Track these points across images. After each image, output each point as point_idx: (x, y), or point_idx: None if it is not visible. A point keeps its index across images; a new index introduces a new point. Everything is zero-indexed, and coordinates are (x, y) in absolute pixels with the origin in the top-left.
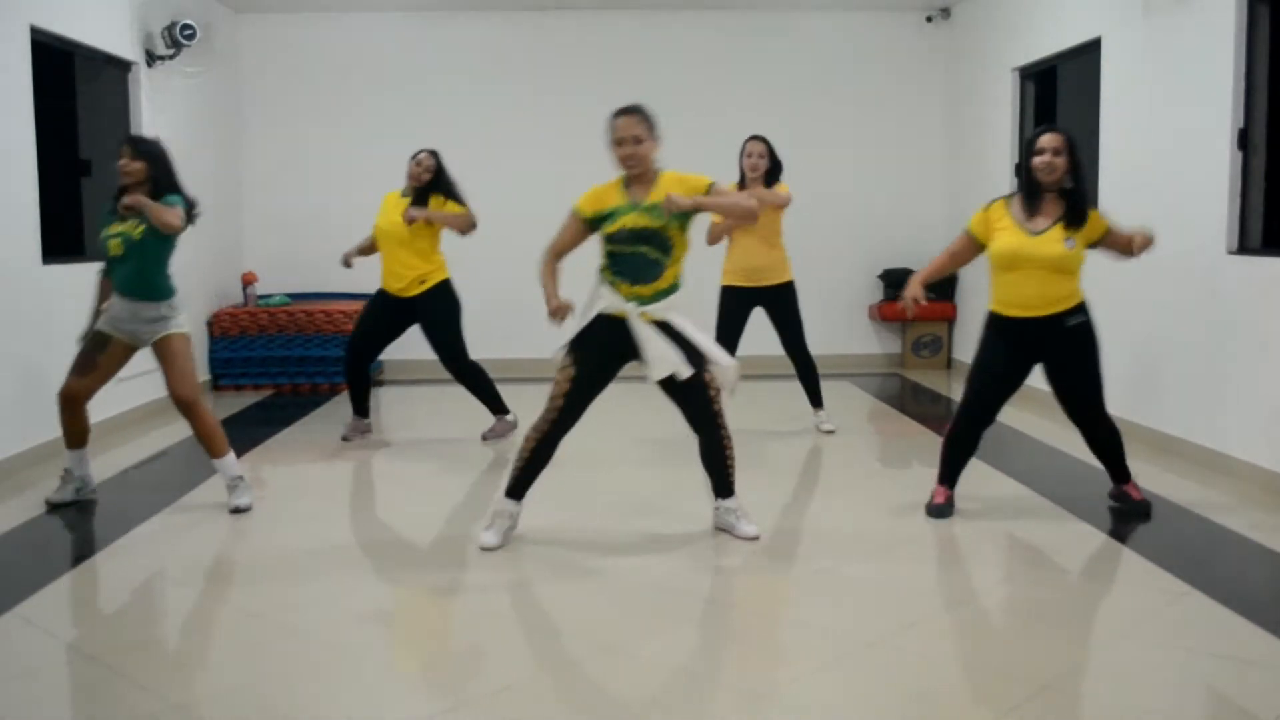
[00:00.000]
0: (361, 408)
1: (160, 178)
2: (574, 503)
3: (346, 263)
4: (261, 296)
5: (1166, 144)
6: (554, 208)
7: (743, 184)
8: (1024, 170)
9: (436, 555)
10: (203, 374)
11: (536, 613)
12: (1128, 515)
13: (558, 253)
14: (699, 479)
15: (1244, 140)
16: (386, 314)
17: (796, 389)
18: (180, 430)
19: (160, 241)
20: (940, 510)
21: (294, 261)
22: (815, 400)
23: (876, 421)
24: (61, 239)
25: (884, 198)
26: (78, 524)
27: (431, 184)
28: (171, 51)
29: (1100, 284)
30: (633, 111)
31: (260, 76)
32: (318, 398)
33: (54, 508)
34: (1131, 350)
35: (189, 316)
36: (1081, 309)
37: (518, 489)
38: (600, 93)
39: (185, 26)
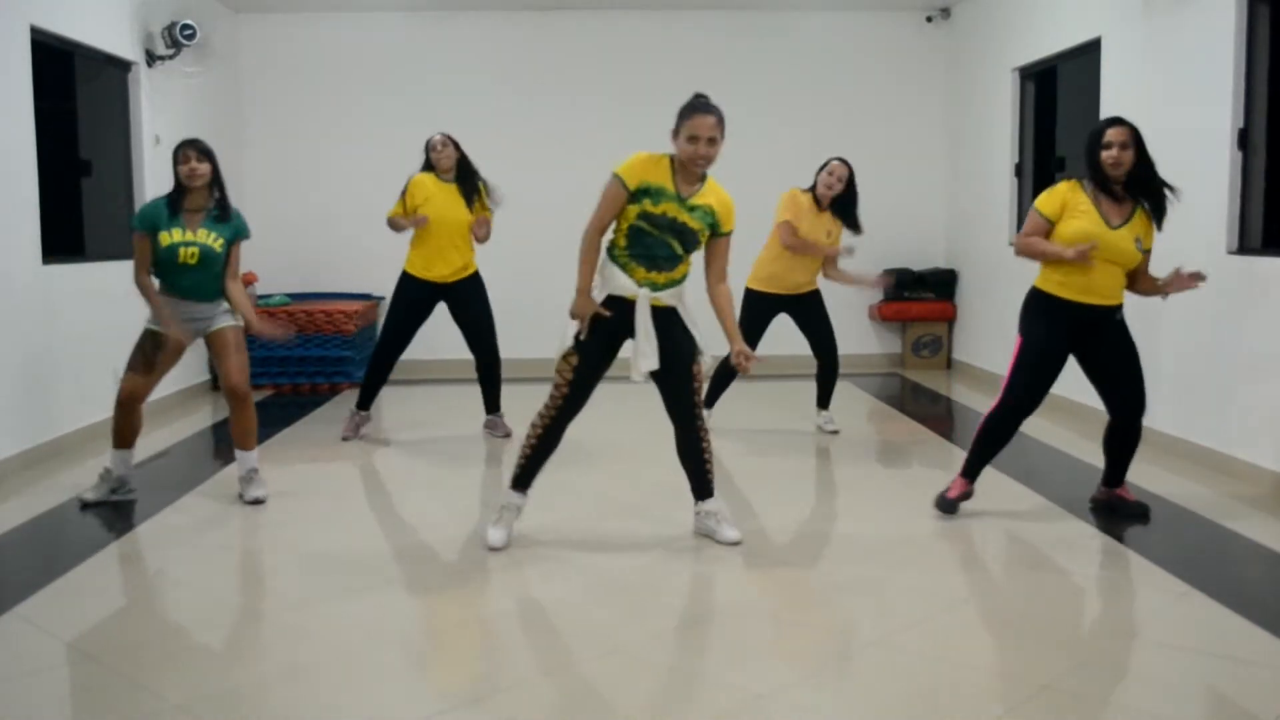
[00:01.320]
0: (366, 402)
1: (220, 180)
2: (575, 502)
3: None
4: (261, 296)
5: (1166, 144)
6: (554, 206)
7: (813, 191)
8: (1092, 164)
9: (437, 555)
10: (204, 374)
11: (538, 613)
12: (1127, 518)
13: (601, 229)
14: None
15: (1244, 140)
16: (422, 302)
17: (795, 389)
18: (180, 431)
19: (227, 253)
20: (949, 505)
21: (294, 261)
22: (824, 402)
23: (876, 421)
24: (61, 239)
25: (884, 198)
26: (78, 524)
27: (465, 169)
28: (171, 51)
29: None
30: (714, 112)
31: (260, 76)
32: (318, 398)
33: (86, 506)
34: None
35: None
36: (1122, 306)
37: (524, 479)
38: (600, 92)
39: (185, 26)
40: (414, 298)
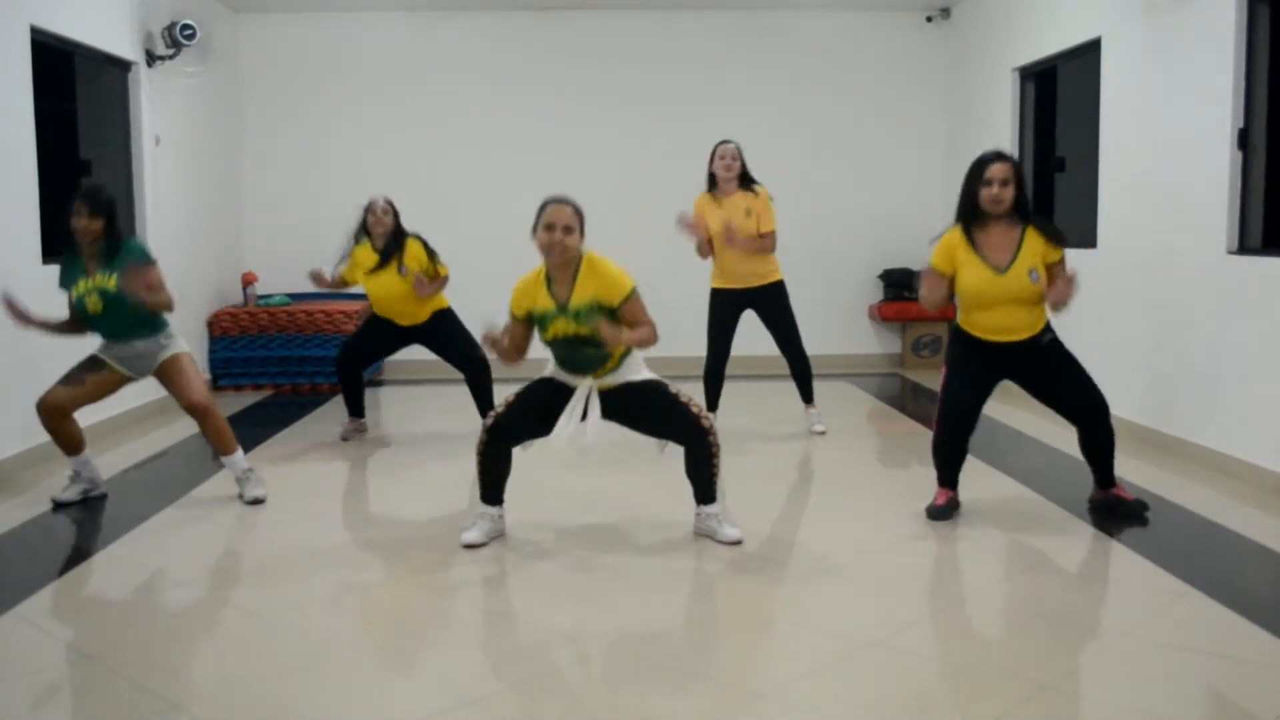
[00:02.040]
0: (357, 409)
1: (114, 228)
2: (575, 502)
3: (319, 278)
4: (261, 296)
5: (1166, 144)
6: None
7: (713, 187)
8: (968, 199)
9: (437, 555)
10: (204, 374)
11: (537, 613)
12: (1126, 517)
13: (516, 352)
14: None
15: (1244, 140)
16: (389, 337)
17: (794, 389)
18: (179, 431)
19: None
20: (941, 512)
21: (294, 261)
22: (806, 397)
23: (876, 421)
24: (61, 239)
25: (884, 198)
26: (77, 524)
27: (399, 230)
28: (171, 51)
29: (1100, 283)
30: (565, 202)
31: (260, 76)
32: (318, 398)
33: (59, 506)
34: (1131, 350)
35: (182, 335)
36: (1049, 326)
37: (487, 495)
38: (600, 92)
39: (185, 26)
40: (379, 327)
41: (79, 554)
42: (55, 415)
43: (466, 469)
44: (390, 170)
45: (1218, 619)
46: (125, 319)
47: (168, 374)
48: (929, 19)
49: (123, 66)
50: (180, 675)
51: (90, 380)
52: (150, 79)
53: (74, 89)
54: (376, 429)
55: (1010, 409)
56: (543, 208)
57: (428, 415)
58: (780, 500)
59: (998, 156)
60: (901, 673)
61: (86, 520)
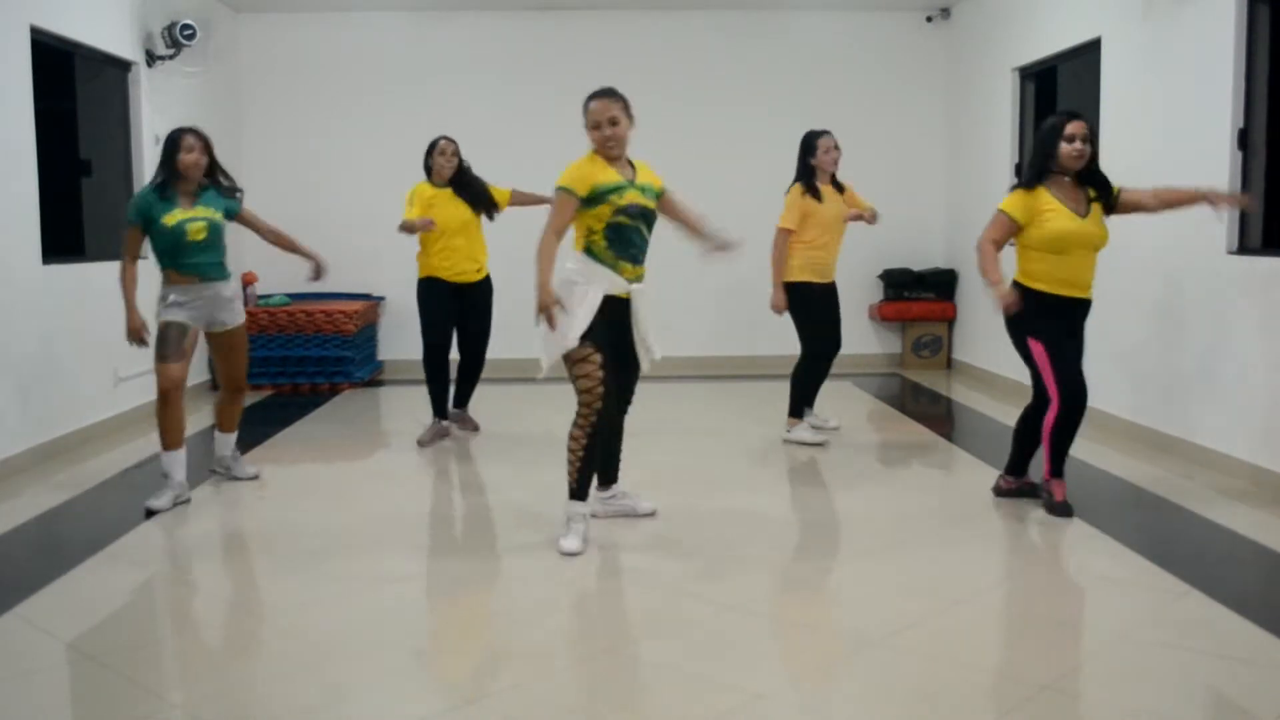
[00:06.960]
0: (443, 409)
1: (215, 162)
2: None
3: (411, 229)
4: (261, 296)
5: (1166, 144)
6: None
7: (813, 179)
8: (1047, 156)
9: (436, 555)
10: (203, 374)
11: (537, 613)
12: (1124, 515)
13: (558, 234)
14: (701, 481)
15: (1244, 140)
16: (450, 302)
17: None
18: None
19: (226, 225)
20: (1067, 509)
21: (294, 261)
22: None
23: (876, 421)
24: (61, 239)
25: (884, 198)
26: (78, 524)
27: (463, 171)
28: (171, 51)
29: (1100, 283)
30: (609, 94)
31: (260, 76)
32: (318, 398)
33: (151, 514)
34: (1131, 349)
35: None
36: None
37: (583, 491)
38: None
39: (185, 26)
40: (441, 296)
41: (79, 554)
42: (176, 393)
43: (468, 469)
44: (390, 170)
45: (1218, 619)
46: (219, 252)
47: (231, 343)
48: (929, 19)
49: (123, 66)
50: (180, 675)
51: (187, 347)
52: (150, 79)
53: (74, 89)
54: (377, 429)
55: (1010, 408)
56: (587, 104)
57: (428, 415)
58: (779, 501)
59: (1074, 114)
60: (902, 673)
61: (87, 520)
